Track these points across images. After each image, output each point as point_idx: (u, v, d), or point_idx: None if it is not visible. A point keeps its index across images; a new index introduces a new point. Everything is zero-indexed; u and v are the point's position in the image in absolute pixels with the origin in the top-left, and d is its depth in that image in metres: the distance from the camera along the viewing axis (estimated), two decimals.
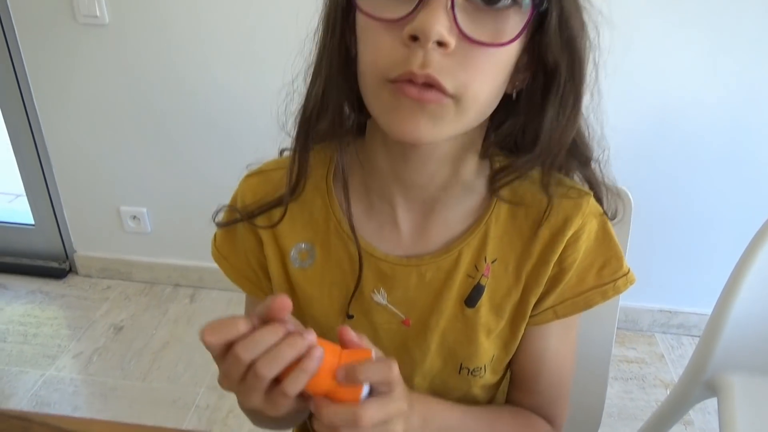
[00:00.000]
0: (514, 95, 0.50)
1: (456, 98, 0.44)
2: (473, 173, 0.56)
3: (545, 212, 0.55)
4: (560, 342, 0.60)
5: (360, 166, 0.57)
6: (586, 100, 0.51)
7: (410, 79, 0.43)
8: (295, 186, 0.56)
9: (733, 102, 1.46)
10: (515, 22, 0.43)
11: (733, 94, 1.45)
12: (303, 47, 0.52)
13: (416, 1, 0.41)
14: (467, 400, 0.61)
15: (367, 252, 0.57)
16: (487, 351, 0.58)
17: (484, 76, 0.44)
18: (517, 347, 0.60)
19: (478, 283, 0.56)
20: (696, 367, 0.95)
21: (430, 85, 0.43)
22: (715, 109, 1.47)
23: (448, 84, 0.43)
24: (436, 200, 0.56)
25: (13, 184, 2.22)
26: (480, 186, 0.57)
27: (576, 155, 0.55)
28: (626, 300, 1.86)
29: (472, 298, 0.57)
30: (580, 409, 0.84)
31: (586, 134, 0.54)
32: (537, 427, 0.61)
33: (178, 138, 1.67)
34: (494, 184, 0.54)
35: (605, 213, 0.58)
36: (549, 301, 0.57)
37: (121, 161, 1.73)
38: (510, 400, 0.64)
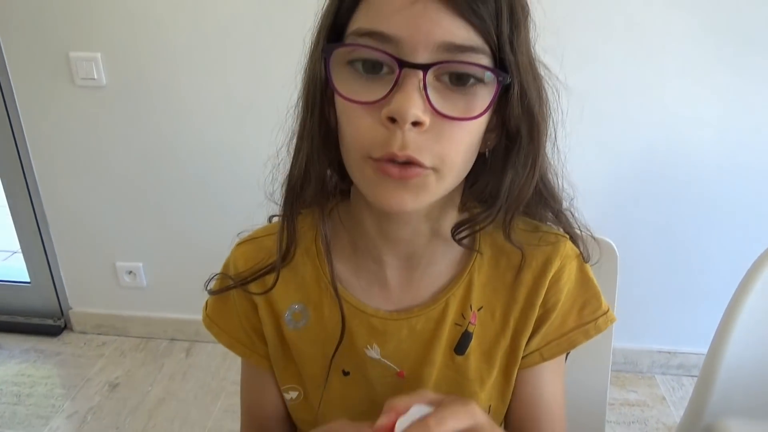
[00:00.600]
0: (487, 153, 0.53)
1: (435, 169, 0.47)
2: (455, 220, 0.59)
3: (522, 258, 0.57)
4: (554, 385, 0.62)
5: (346, 227, 0.60)
6: (553, 154, 0.54)
7: (392, 159, 0.45)
8: (286, 253, 0.58)
9: (721, 144, 1.49)
10: (483, 96, 0.46)
11: (721, 136, 1.48)
12: (284, 122, 0.54)
13: (391, 84, 0.44)
14: None
15: (358, 309, 0.58)
16: (483, 402, 0.59)
17: (459, 146, 0.47)
18: (515, 396, 0.61)
19: (466, 330, 0.58)
20: (693, 414, 0.95)
21: (411, 162, 0.45)
22: (704, 151, 1.50)
23: (427, 159, 0.45)
24: (421, 254, 0.58)
25: (8, 241, 2.23)
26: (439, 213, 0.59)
27: (547, 205, 0.58)
28: (625, 342, 1.87)
29: (461, 346, 0.58)
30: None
31: (554, 186, 0.57)
32: None
33: (173, 194, 1.70)
34: (455, 236, 0.56)
35: (582, 255, 0.60)
36: (534, 344, 0.59)
37: (117, 217, 1.75)
38: None
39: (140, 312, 1.89)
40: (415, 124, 0.44)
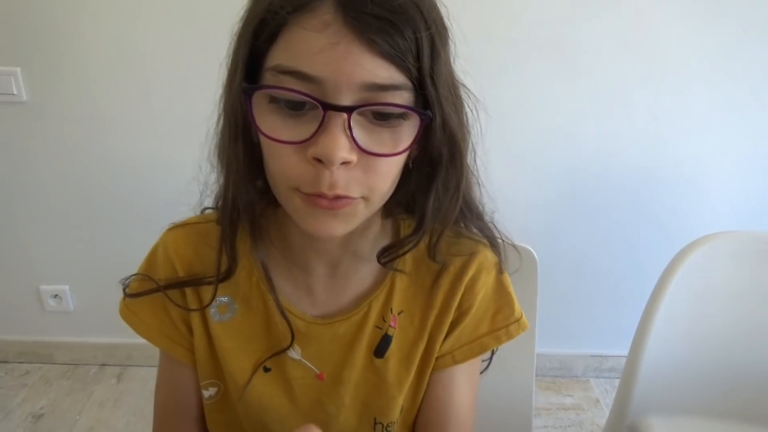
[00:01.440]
0: (410, 165, 0.54)
1: (364, 198, 0.48)
2: (378, 233, 0.60)
3: (441, 269, 0.60)
4: (464, 391, 0.63)
5: (275, 236, 0.60)
6: (474, 168, 0.56)
7: (321, 195, 0.46)
8: (228, 272, 0.57)
9: (637, 151, 1.57)
10: (407, 130, 0.47)
11: (638, 144, 1.56)
12: (210, 140, 0.54)
13: (317, 124, 0.44)
14: None
15: (285, 308, 0.59)
16: (399, 404, 0.60)
17: (387, 177, 0.48)
18: (425, 399, 0.62)
19: (386, 333, 0.60)
20: (618, 413, 0.99)
21: (340, 197, 0.46)
22: (621, 158, 1.58)
23: (356, 192, 0.47)
24: (346, 263, 0.59)
25: None
26: (386, 243, 0.60)
27: (470, 220, 0.60)
28: (560, 348, 1.93)
29: (380, 349, 0.60)
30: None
31: (477, 203, 0.59)
32: None
33: (98, 214, 1.63)
34: (381, 260, 0.57)
35: (500, 263, 0.62)
36: (447, 346, 0.61)
37: (40, 239, 1.67)
38: None
39: (67, 337, 1.80)
40: (343, 163, 0.45)
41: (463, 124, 0.51)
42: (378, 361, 0.60)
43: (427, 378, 0.61)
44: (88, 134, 1.54)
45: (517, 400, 0.82)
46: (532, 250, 0.74)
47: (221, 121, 0.52)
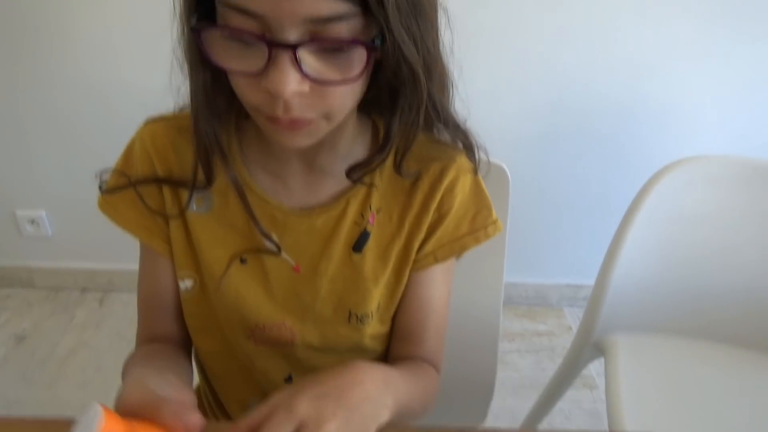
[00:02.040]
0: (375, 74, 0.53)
1: (324, 116, 0.49)
2: (356, 130, 0.61)
3: (420, 172, 0.61)
4: (442, 289, 0.66)
5: (252, 130, 0.60)
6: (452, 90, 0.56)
7: (278, 118, 0.47)
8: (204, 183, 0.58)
9: (621, 81, 1.55)
10: (359, 56, 0.46)
11: (620, 75, 1.54)
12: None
13: (265, 60, 0.44)
14: (360, 351, 0.65)
15: (261, 199, 0.60)
16: (374, 298, 0.62)
17: (344, 98, 0.49)
18: (405, 297, 0.65)
19: (365, 230, 0.61)
20: (585, 330, 1.02)
21: (297, 119, 0.47)
22: (603, 89, 1.56)
23: (313, 114, 0.48)
24: (324, 159, 0.60)
25: None
26: (365, 141, 0.62)
27: (446, 127, 0.59)
28: (536, 278, 1.96)
29: (359, 244, 0.61)
30: (474, 381, 0.88)
31: (450, 111, 0.58)
32: (431, 374, 0.65)
33: (75, 136, 1.60)
34: (350, 177, 0.58)
35: (477, 169, 0.63)
36: (429, 247, 0.63)
37: (15, 162, 1.64)
38: (397, 356, 0.67)
39: (47, 263, 1.80)
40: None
41: (427, 47, 0.50)
42: (355, 256, 0.61)
43: (405, 277, 0.63)
44: (65, 54, 1.48)
45: (485, 324, 0.84)
46: (505, 168, 0.74)
47: (180, 51, 0.52)
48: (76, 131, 1.59)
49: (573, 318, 1.88)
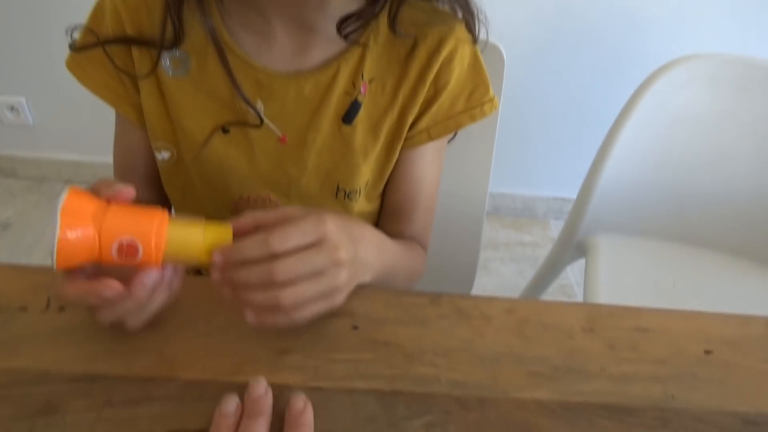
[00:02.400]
0: None
1: None
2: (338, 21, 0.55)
3: (417, 40, 0.57)
4: (433, 169, 0.64)
5: None
6: None
7: None
8: (174, 41, 0.53)
9: None
10: None
11: None
12: None
13: None
14: None
15: (245, 62, 0.56)
16: (363, 173, 0.61)
17: None
18: (395, 175, 0.63)
19: (356, 99, 0.58)
20: (568, 231, 1.03)
21: None
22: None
23: None
24: (314, 18, 0.55)
25: None
26: (358, 5, 0.56)
27: None
28: (524, 189, 1.96)
29: (349, 115, 0.58)
30: (457, 267, 0.89)
31: None
32: (418, 251, 0.65)
33: (54, 15, 1.51)
34: (341, 32, 0.54)
35: (476, 39, 0.60)
36: (423, 123, 0.60)
37: None
38: (386, 234, 0.66)
39: (29, 153, 1.76)
40: None
41: None
42: (345, 128, 0.59)
43: (396, 153, 0.61)
44: None
45: (471, 212, 0.83)
46: (501, 48, 0.71)
47: None
48: (54, 9, 1.51)
49: (557, 230, 1.89)
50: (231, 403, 0.38)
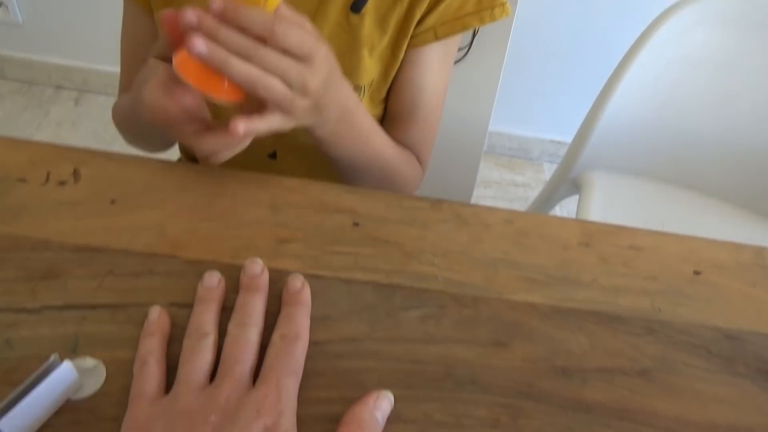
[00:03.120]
0: None
1: None
2: None
3: None
4: (437, 79, 0.63)
5: None
6: None
7: None
8: None
9: None
10: None
11: None
12: None
13: None
14: None
15: None
16: (369, 69, 0.60)
17: None
18: (398, 78, 0.62)
19: None
20: (565, 166, 1.03)
21: None
22: None
23: None
24: None
25: None
26: None
27: None
28: (521, 129, 1.94)
29: (357, 4, 0.57)
30: (455, 183, 0.90)
31: None
32: (413, 161, 0.65)
33: None
34: None
35: None
36: (430, 20, 0.59)
37: None
38: None
39: (18, 53, 1.71)
40: None
41: None
42: (353, 17, 0.57)
43: (401, 52, 0.60)
44: None
45: (473, 127, 0.83)
46: None
47: None
48: None
49: (550, 173, 1.89)
50: (213, 277, 0.38)
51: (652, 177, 1.00)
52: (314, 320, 0.38)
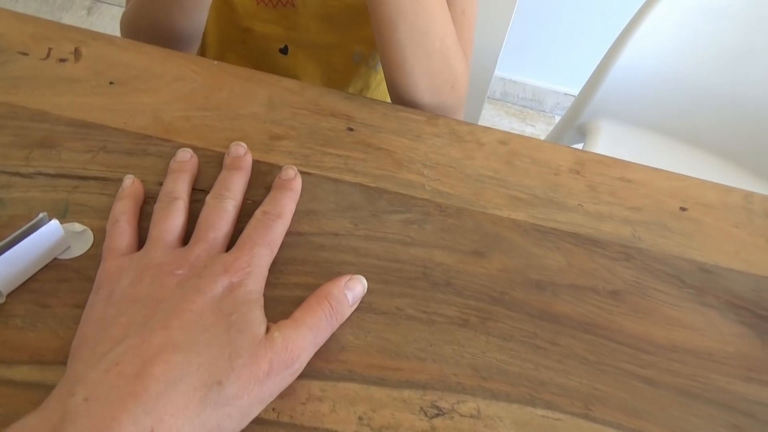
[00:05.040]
0: None
1: None
2: None
3: None
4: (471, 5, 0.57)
5: None
6: None
7: None
8: None
9: None
10: None
11: None
12: None
13: None
14: (363, 25, 0.60)
15: None
16: None
17: None
18: None
19: None
20: (573, 112, 1.02)
21: None
22: None
23: None
24: None
25: None
26: None
27: None
28: (536, 79, 1.91)
29: None
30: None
31: None
32: (462, 54, 0.56)
33: None
34: None
35: None
36: None
37: None
38: None
39: None
40: None
41: None
42: None
43: None
44: None
45: (481, 66, 0.82)
46: None
47: None
48: None
49: None
50: (186, 153, 0.39)
51: (660, 130, 0.99)
52: (300, 213, 0.39)
